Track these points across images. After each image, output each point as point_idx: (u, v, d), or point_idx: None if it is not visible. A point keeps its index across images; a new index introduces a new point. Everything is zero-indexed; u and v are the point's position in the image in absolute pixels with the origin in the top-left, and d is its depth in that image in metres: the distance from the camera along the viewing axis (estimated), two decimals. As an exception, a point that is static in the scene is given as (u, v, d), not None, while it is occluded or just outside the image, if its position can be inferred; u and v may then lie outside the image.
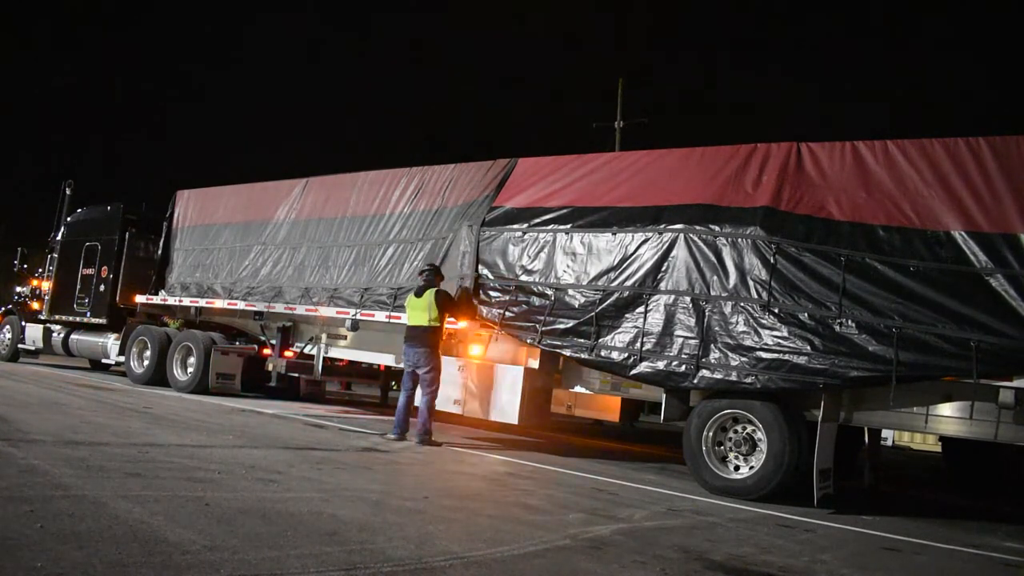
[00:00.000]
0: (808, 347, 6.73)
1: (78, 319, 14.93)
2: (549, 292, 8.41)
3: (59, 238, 15.94)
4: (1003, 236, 6.20)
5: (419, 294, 8.89)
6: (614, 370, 7.88)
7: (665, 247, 7.75)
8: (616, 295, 7.92)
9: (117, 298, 14.41)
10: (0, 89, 58.40)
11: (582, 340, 8.02)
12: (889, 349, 6.38)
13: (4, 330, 16.70)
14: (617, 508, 5.85)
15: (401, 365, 11.01)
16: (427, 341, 8.76)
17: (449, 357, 9.41)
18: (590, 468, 8.14)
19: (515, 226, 8.93)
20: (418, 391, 8.88)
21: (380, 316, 10.09)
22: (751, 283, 7.14)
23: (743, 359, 7.01)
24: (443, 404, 9.06)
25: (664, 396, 7.72)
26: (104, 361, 14.94)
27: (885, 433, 14.49)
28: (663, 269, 7.70)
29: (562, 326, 8.19)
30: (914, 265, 6.49)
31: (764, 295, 7.03)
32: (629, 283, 7.88)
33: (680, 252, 7.63)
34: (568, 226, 8.51)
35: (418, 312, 8.82)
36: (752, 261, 7.18)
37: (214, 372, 12.20)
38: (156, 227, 14.34)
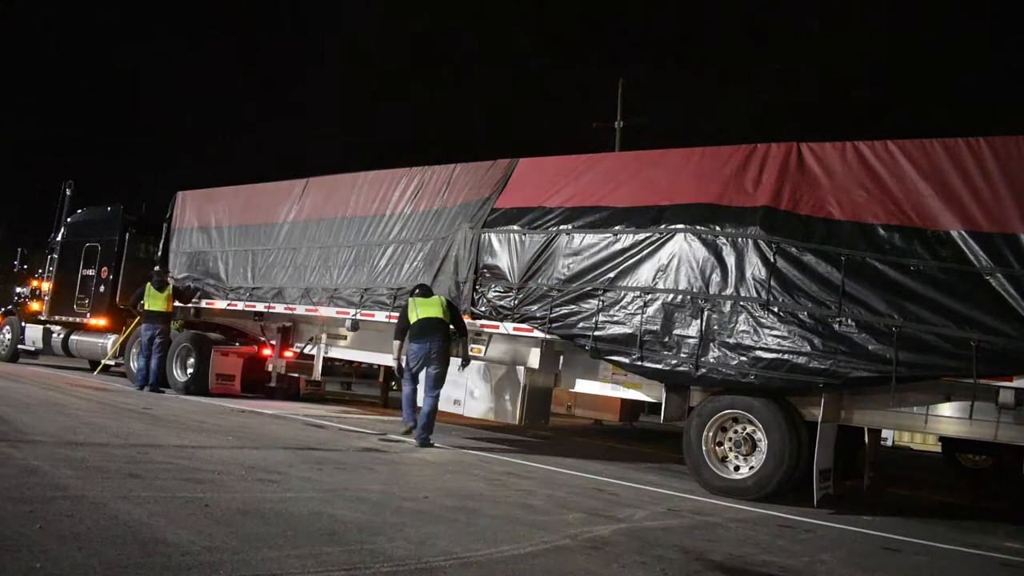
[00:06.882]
0: (808, 347, 6.72)
1: (78, 320, 14.94)
2: (551, 292, 8.40)
3: (59, 239, 15.93)
4: (1003, 236, 6.19)
5: (427, 295, 8.91)
6: (619, 364, 7.89)
7: (666, 246, 7.75)
8: (615, 294, 7.92)
9: (117, 299, 14.42)
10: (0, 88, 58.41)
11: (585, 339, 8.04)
12: (889, 349, 6.38)
13: (4, 331, 16.69)
14: (617, 508, 5.85)
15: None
16: (447, 336, 8.70)
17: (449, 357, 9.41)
18: (590, 468, 8.14)
19: (516, 226, 8.92)
20: (420, 392, 8.79)
21: (380, 316, 10.09)
22: (751, 282, 7.14)
23: (743, 358, 7.01)
24: (443, 404, 9.04)
25: (664, 396, 7.72)
26: (104, 362, 14.95)
27: (885, 433, 14.48)
28: (663, 268, 7.70)
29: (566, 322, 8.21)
30: (914, 264, 6.49)
31: (764, 294, 7.03)
32: (630, 282, 7.88)
33: (680, 251, 7.63)
34: (569, 226, 8.51)
35: (433, 308, 8.74)
36: (752, 260, 7.18)
37: (214, 372, 12.20)
38: (156, 228, 14.33)
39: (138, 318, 13.84)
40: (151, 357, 12.03)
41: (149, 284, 12.27)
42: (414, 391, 8.89)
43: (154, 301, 12.09)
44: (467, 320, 9.12)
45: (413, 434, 8.66)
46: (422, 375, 8.79)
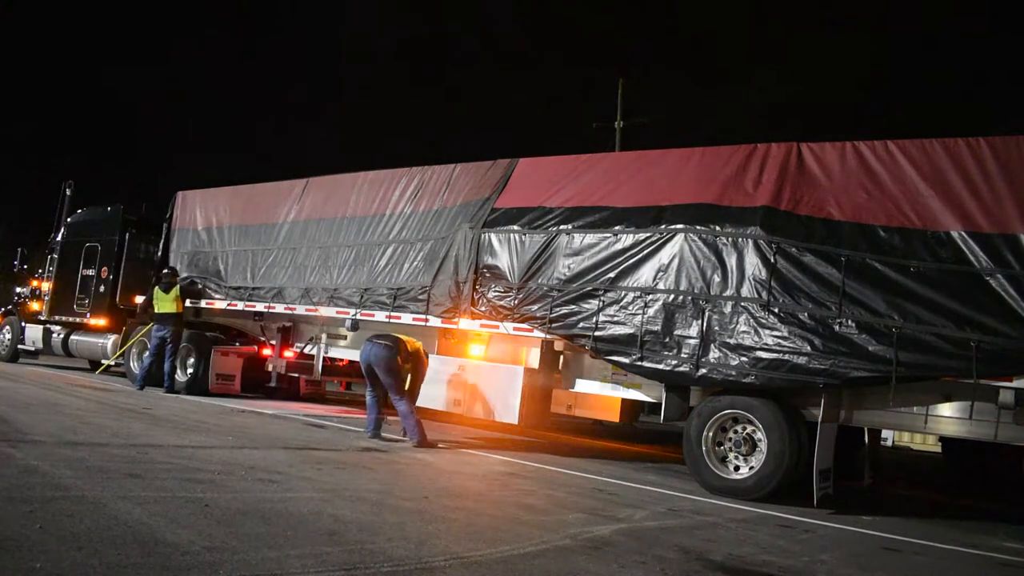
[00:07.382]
0: (808, 347, 6.72)
1: (78, 320, 14.93)
2: (551, 292, 8.40)
3: (59, 239, 15.92)
4: (1003, 236, 6.20)
5: None
6: (619, 364, 7.88)
7: (666, 246, 7.75)
8: (616, 294, 7.92)
9: (117, 299, 14.43)
10: (1, 88, 58.47)
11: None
12: (889, 349, 6.38)
13: (4, 331, 16.68)
14: (617, 508, 5.85)
15: None
16: (389, 344, 8.56)
17: (449, 357, 9.42)
18: (590, 468, 8.14)
19: (515, 226, 8.93)
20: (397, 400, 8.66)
21: (380, 316, 10.09)
22: (751, 283, 7.14)
23: (743, 359, 7.01)
24: (444, 404, 9.05)
25: (664, 396, 7.72)
26: (104, 362, 14.95)
27: (885, 433, 14.50)
28: (663, 268, 7.70)
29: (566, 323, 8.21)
30: (914, 265, 6.49)
31: (764, 295, 7.03)
32: (630, 283, 7.88)
33: (681, 251, 7.63)
34: (569, 226, 8.51)
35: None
36: (752, 261, 7.18)
37: (214, 372, 12.20)
38: (156, 228, 14.34)
39: (137, 318, 13.89)
40: (164, 359, 12.00)
41: (156, 287, 12.24)
42: (371, 399, 8.89)
43: (162, 303, 12.04)
44: (467, 320, 9.14)
45: (372, 435, 8.71)
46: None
